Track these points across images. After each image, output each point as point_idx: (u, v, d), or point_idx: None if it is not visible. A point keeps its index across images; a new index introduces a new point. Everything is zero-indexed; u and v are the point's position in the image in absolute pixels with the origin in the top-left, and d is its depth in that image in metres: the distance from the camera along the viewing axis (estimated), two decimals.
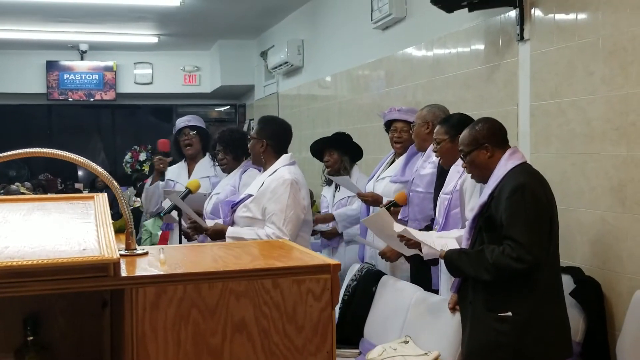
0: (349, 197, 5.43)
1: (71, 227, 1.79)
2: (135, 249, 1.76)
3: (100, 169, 1.80)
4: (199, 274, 1.58)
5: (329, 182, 5.64)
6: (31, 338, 1.98)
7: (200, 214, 4.78)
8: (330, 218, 5.43)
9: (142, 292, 1.52)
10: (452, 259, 3.33)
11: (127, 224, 1.76)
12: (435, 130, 4.03)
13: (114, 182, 1.78)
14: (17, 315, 2.01)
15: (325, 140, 5.59)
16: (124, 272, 1.55)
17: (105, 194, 2.11)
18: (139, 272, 1.58)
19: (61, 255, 1.51)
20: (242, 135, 5.09)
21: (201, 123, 5.72)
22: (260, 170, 4.43)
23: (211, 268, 1.62)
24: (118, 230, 1.85)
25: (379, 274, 4.70)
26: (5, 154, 1.76)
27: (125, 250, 1.75)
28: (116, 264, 1.50)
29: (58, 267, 1.47)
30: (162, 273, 1.57)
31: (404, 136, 4.85)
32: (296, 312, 1.62)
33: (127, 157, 12.79)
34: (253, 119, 11.12)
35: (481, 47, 5.03)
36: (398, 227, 3.72)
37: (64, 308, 2.10)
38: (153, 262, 1.68)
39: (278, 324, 1.61)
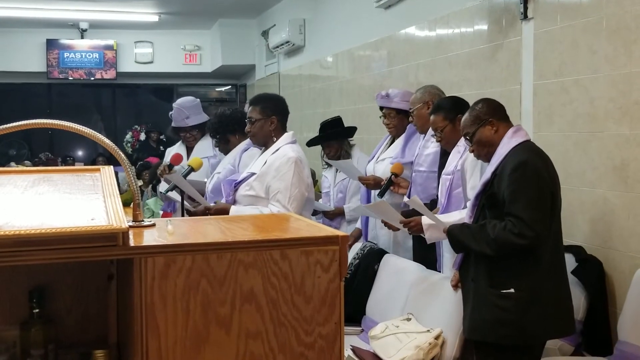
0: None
1: (79, 197, 1.79)
2: (143, 221, 1.76)
3: (107, 140, 1.79)
4: (208, 245, 1.58)
5: (329, 164, 5.64)
6: (37, 311, 1.99)
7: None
8: (340, 212, 5.46)
9: (152, 261, 1.53)
10: (455, 233, 3.34)
11: (134, 196, 1.76)
12: (432, 121, 4.03)
13: (121, 153, 1.78)
14: (23, 288, 2.02)
15: (319, 138, 5.55)
16: (132, 243, 1.55)
17: (112, 166, 2.11)
18: (147, 243, 1.58)
19: (70, 224, 1.51)
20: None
21: (198, 114, 5.57)
22: (260, 149, 4.40)
23: (219, 239, 1.63)
24: (124, 204, 1.85)
25: (381, 252, 4.71)
26: (15, 124, 1.75)
27: (133, 221, 1.74)
28: (125, 234, 1.50)
29: (67, 236, 1.47)
30: (171, 243, 1.57)
31: (392, 122, 4.86)
32: (304, 283, 1.63)
33: (128, 136, 12.78)
34: None
35: (484, 26, 5.01)
36: (408, 200, 3.79)
37: (69, 281, 2.11)
38: (161, 233, 1.68)
39: (286, 295, 1.62)
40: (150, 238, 1.62)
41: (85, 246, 1.49)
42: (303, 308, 1.63)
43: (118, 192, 1.79)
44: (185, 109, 5.54)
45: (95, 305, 2.12)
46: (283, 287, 1.61)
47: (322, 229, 1.75)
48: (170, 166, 5.21)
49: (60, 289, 2.10)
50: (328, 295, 1.64)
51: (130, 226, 1.63)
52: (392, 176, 4.56)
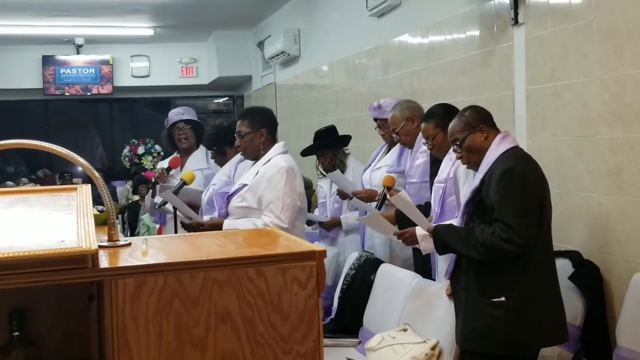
0: None
1: (51, 219, 1.76)
2: (118, 240, 1.73)
3: (81, 159, 1.77)
4: (180, 264, 1.54)
5: (324, 174, 5.60)
6: (17, 333, 1.96)
7: (197, 208, 4.74)
8: (337, 222, 5.44)
9: (122, 283, 1.49)
10: (441, 234, 3.31)
11: (109, 215, 1.73)
12: (423, 129, 4.00)
13: (95, 172, 1.75)
14: (2, 310, 1.98)
15: (313, 147, 5.53)
16: (104, 264, 1.52)
17: (89, 185, 2.08)
18: (120, 264, 1.55)
19: (40, 247, 1.47)
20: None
21: (194, 116, 5.64)
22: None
23: (193, 257, 1.59)
24: (104, 222, 1.81)
25: (378, 262, 4.68)
26: None
27: (108, 241, 1.71)
28: (94, 255, 1.46)
29: (36, 259, 1.44)
30: (141, 264, 1.54)
31: (387, 132, 4.84)
32: (281, 300, 1.59)
33: (126, 150, 12.75)
34: None
35: (476, 32, 4.99)
36: (392, 198, 3.80)
37: (49, 302, 2.07)
38: (135, 252, 1.64)
39: (263, 313, 1.58)
40: (122, 259, 1.58)
41: (54, 269, 1.46)
42: (280, 326, 1.59)
43: (92, 211, 1.76)
44: (181, 109, 5.68)
45: (77, 326, 2.09)
46: (259, 306, 1.58)
47: (300, 244, 1.72)
48: (168, 169, 5.19)
49: (40, 310, 2.06)
50: (306, 313, 1.60)
51: (104, 246, 1.60)
52: (385, 189, 4.52)
